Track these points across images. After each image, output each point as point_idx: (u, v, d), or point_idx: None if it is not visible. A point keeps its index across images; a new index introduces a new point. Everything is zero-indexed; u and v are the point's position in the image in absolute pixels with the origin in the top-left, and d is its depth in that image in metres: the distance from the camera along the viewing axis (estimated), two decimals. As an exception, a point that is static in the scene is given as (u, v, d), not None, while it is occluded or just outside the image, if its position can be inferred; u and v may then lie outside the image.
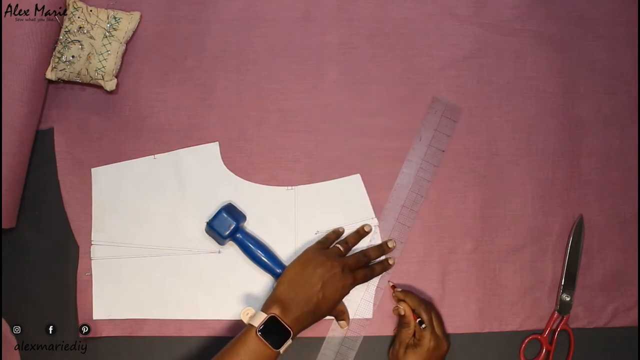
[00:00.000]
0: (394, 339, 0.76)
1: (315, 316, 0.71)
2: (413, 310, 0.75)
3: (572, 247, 0.79)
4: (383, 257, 0.78)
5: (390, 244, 0.78)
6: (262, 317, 0.68)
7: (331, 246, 0.76)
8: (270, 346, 0.67)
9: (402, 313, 0.75)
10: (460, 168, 0.80)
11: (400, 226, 0.79)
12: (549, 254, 0.80)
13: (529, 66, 0.82)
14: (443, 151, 0.79)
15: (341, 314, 0.76)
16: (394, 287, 0.78)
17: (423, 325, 0.73)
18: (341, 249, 0.75)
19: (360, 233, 0.78)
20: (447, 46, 0.81)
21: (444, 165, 0.80)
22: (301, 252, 0.75)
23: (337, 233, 0.78)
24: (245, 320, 0.69)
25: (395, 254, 0.78)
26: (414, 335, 0.74)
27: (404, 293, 0.76)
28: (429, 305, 0.75)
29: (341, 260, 0.73)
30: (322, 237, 0.77)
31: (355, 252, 0.77)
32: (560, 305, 0.78)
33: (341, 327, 0.77)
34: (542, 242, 0.80)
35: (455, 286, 0.79)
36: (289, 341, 0.68)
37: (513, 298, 0.79)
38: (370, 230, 0.78)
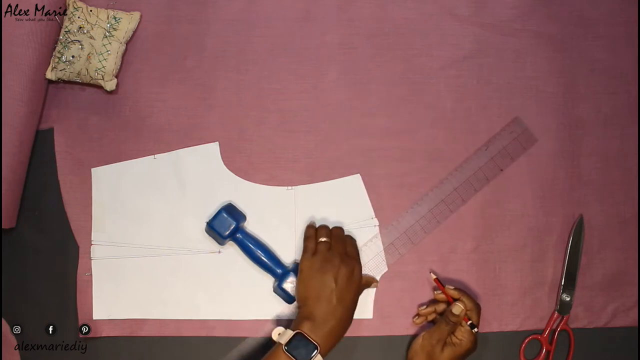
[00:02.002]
0: (422, 334, 0.74)
1: (345, 322, 0.71)
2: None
3: (572, 247, 0.79)
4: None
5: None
6: (290, 334, 0.69)
7: (318, 243, 0.75)
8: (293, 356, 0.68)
9: (458, 312, 0.73)
10: (460, 168, 0.80)
11: (431, 217, 0.79)
12: (549, 254, 0.80)
13: (529, 66, 0.82)
14: (501, 170, 0.79)
15: (370, 282, 0.77)
16: (437, 280, 0.77)
17: (475, 330, 0.73)
18: (324, 240, 0.75)
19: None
20: (447, 46, 0.81)
21: (443, 166, 0.80)
22: (300, 257, 0.76)
23: (312, 227, 0.77)
24: (275, 339, 0.70)
25: (416, 240, 0.79)
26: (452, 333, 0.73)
27: (459, 292, 0.75)
28: (479, 308, 0.75)
29: (333, 251, 0.73)
30: (303, 245, 0.76)
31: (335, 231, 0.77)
32: (560, 305, 0.79)
33: (373, 286, 0.78)
34: (542, 242, 0.80)
35: (455, 286, 0.79)
36: (318, 356, 0.68)
37: (513, 298, 0.79)
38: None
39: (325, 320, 0.69)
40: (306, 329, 0.69)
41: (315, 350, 0.68)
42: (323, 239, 0.75)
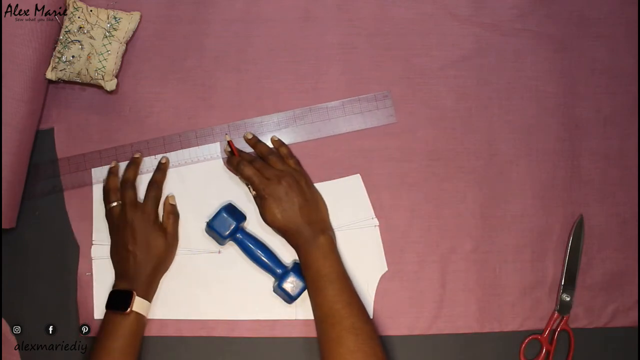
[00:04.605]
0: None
1: (151, 261, 0.74)
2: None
3: (572, 247, 0.79)
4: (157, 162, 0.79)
5: (163, 160, 0.79)
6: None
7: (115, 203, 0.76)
8: (118, 312, 0.72)
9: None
10: (460, 168, 0.80)
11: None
12: (549, 254, 0.80)
13: (529, 66, 0.82)
14: None
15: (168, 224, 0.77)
16: (232, 142, 0.79)
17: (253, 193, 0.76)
18: (116, 196, 0.76)
19: (137, 163, 0.79)
20: (447, 46, 0.81)
21: (444, 165, 0.80)
22: None
23: (113, 181, 0.78)
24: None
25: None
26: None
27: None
28: (246, 160, 0.76)
29: (124, 210, 0.75)
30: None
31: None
32: (560, 305, 0.79)
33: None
34: (542, 242, 0.80)
35: (455, 286, 0.79)
36: (136, 299, 0.72)
37: (513, 298, 0.79)
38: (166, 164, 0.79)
39: (130, 272, 0.74)
40: (121, 286, 0.74)
41: (131, 296, 0.72)
42: (116, 195, 0.77)
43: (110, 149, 0.79)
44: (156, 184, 0.77)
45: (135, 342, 0.72)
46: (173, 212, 0.78)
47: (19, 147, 0.75)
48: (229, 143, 0.78)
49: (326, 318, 0.70)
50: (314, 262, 0.72)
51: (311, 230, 0.73)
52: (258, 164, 0.76)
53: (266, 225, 0.76)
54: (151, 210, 0.75)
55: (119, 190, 0.77)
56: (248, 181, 0.75)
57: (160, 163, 0.79)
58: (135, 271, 0.73)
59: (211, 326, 0.77)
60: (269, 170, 0.75)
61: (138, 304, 0.72)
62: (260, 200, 0.75)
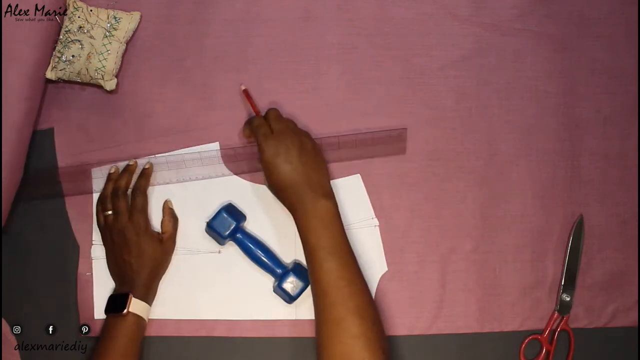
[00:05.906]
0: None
1: (147, 266, 0.74)
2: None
3: (572, 247, 0.79)
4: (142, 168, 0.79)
5: (147, 165, 0.78)
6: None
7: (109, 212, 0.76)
8: (116, 314, 0.72)
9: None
10: (460, 168, 0.80)
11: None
12: (549, 254, 0.80)
13: (529, 66, 0.82)
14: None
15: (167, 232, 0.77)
16: (247, 92, 0.78)
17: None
18: (110, 208, 0.76)
19: (130, 171, 0.78)
20: (447, 46, 0.81)
21: (444, 165, 0.80)
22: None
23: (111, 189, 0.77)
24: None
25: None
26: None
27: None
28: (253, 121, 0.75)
29: (115, 219, 0.75)
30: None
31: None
32: (560, 305, 0.79)
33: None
34: (542, 242, 0.80)
35: (455, 286, 0.79)
36: (134, 300, 0.72)
37: (513, 298, 0.79)
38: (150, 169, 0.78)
39: (124, 277, 0.74)
40: (117, 289, 0.75)
41: (127, 297, 0.72)
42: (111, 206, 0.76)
43: (111, 148, 0.79)
44: (139, 190, 0.76)
45: (134, 344, 0.72)
46: (172, 215, 0.78)
47: (18, 146, 0.75)
48: (245, 93, 0.76)
49: (325, 295, 0.64)
50: (313, 230, 0.67)
51: (311, 192, 0.69)
52: (267, 120, 0.74)
53: (266, 225, 0.76)
54: (140, 218, 0.75)
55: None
56: (253, 132, 0.74)
57: (144, 169, 0.78)
58: (132, 278, 0.73)
59: (211, 326, 0.77)
60: (277, 124, 0.73)
61: (135, 305, 0.72)
62: (260, 153, 0.72)
